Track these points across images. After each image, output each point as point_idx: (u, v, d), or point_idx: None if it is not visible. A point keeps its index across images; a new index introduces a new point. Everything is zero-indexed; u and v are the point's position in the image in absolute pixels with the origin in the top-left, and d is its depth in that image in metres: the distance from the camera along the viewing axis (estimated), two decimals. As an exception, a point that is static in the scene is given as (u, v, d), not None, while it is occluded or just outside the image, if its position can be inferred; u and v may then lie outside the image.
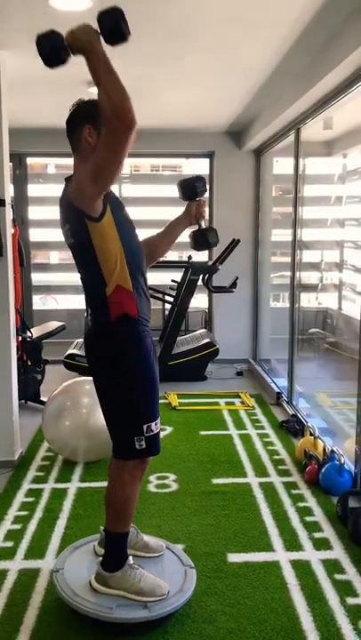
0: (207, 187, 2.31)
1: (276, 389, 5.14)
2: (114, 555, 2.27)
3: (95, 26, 1.84)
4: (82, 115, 2.10)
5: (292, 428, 4.30)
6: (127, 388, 2.17)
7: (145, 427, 2.17)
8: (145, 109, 5.16)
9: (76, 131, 2.10)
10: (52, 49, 1.84)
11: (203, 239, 2.34)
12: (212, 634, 2.17)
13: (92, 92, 4.31)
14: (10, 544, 2.80)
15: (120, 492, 2.24)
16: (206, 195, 2.34)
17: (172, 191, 2.16)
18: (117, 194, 2.16)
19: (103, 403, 2.26)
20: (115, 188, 2.32)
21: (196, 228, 2.41)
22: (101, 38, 1.83)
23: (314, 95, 3.77)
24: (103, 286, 2.11)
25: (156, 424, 2.20)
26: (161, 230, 2.48)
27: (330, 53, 3.24)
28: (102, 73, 1.82)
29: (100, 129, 2.00)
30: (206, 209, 2.36)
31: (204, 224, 2.37)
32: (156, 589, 2.23)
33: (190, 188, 2.28)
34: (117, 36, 1.82)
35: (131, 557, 2.31)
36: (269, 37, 3.29)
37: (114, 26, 1.80)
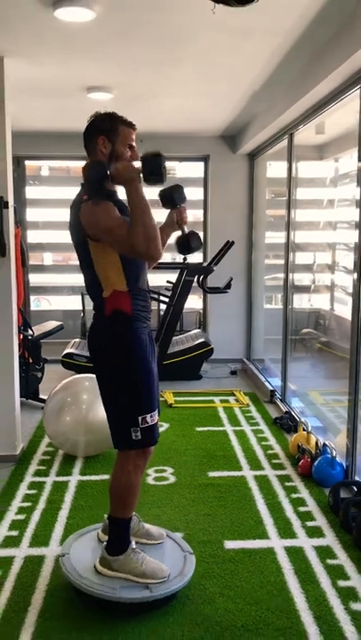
0: (185, 195, 2.41)
1: (270, 388, 5.26)
2: (117, 539, 2.39)
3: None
4: (96, 127, 2.28)
5: (286, 424, 4.43)
6: (122, 380, 2.29)
7: (140, 418, 2.28)
8: (142, 114, 5.28)
9: (92, 141, 2.29)
10: (96, 177, 2.15)
11: (186, 244, 2.46)
12: (210, 613, 2.29)
13: (91, 98, 4.46)
14: (15, 533, 2.91)
15: (124, 480, 2.36)
16: (186, 202, 2.45)
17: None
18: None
19: (102, 395, 2.39)
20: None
21: (180, 233, 2.54)
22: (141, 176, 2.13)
23: (307, 102, 3.89)
24: (100, 289, 2.28)
25: (151, 416, 2.31)
26: None
27: (323, 62, 3.37)
28: (137, 208, 2.12)
29: (113, 139, 2.25)
30: (187, 214, 2.49)
31: (186, 229, 2.48)
32: (158, 572, 2.35)
33: (169, 198, 2.39)
34: (156, 177, 2.15)
35: (133, 542, 2.43)
36: (264, 46, 3.40)
37: (154, 168, 2.15)
